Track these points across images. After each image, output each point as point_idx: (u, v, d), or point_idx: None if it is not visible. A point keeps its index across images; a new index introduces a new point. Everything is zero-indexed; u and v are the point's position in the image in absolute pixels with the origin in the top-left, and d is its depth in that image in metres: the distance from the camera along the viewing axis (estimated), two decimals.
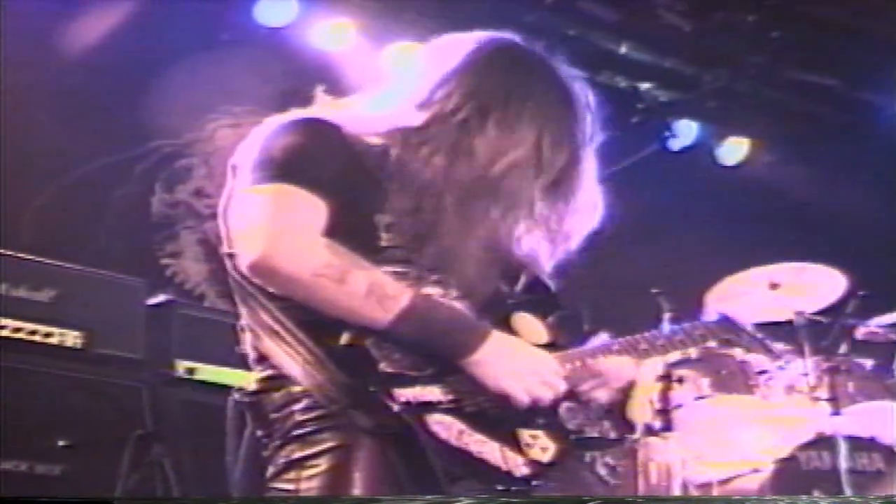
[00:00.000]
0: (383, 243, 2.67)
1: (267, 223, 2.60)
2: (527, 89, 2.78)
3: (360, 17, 7.05)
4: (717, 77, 7.89)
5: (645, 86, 7.94)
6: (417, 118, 2.74)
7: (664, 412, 5.53)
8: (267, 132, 2.73)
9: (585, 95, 2.86)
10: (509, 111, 2.74)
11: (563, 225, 2.83)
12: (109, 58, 6.51)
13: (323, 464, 2.56)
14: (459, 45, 2.84)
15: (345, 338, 2.56)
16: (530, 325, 2.82)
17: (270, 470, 2.64)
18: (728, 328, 3.05)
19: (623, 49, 7.66)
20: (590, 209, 2.87)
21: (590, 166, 2.86)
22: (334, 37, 7.05)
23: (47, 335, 4.98)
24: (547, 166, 2.76)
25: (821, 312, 5.88)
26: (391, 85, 2.88)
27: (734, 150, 8.31)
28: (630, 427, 5.52)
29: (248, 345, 2.75)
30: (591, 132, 2.85)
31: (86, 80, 6.48)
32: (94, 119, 6.44)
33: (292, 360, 2.60)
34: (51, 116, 6.33)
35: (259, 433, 2.69)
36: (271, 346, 2.65)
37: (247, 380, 2.74)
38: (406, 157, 2.70)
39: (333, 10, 7.06)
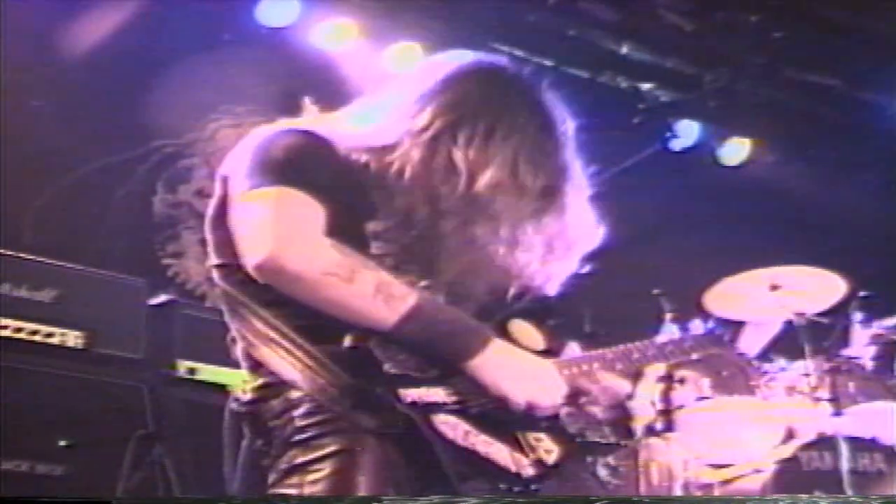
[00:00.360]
0: (373, 251, 2.68)
1: (272, 225, 2.60)
2: (503, 112, 2.79)
3: (361, 18, 7.05)
4: (719, 77, 7.87)
5: (646, 86, 7.94)
6: (393, 136, 2.75)
7: (665, 413, 5.52)
8: (256, 141, 2.74)
9: (564, 122, 2.87)
10: (483, 131, 2.75)
11: (554, 248, 2.84)
12: (110, 57, 6.51)
13: (326, 468, 2.55)
14: (442, 66, 2.87)
15: (348, 340, 2.56)
16: (527, 332, 2.84)
17: (272, 476, 2.62)
18: (716, 342, 3.12)
19: (624, 49, 7.66)
20: (586, 231, 2.89)
21: (578, 190, 2.87)
22: (336, 37, 7.05)
23: (49, 335, 4.99)
24: (526, 189, 2.77)
25: (822, 313, 5.88)
26: (375, 102, 2.90)
27: (736, 150, 8.29)
28: (629, 433, 5.52)
29: (240, 354, 2.75)
30: (572, 158, 2.86)
31: (87, 80, 6.48)
32: (95, 119, 6.44)
33: (291, 365, 2.60)
34: (51, 116, 6.32)
35: (258, 442, 2.68)
36: (266, 354, 2.65)
37: (243, 384, 2.72)
38: (385, 173, 2.72)
39: (335, 11, 7.06)
